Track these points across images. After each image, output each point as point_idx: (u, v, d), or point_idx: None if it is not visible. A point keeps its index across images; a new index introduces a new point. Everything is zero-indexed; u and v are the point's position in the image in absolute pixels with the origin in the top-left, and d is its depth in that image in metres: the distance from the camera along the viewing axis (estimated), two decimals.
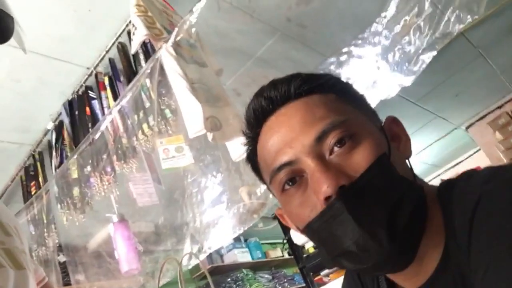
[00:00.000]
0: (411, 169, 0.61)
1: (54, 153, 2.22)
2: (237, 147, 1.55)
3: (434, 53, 1.27)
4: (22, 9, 1.68)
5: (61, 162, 2.15)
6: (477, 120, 4.69)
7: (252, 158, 0.67)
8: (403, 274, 0.58)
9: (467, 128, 4.78)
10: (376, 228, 0.52)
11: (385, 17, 1.39)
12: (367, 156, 0.55)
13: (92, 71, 2.08)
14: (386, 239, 0.51)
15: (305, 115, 0.58)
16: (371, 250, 0.52)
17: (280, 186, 0.60)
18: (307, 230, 0.58)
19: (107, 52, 2.00)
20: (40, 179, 2.36)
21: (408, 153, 0.63)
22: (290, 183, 0.59)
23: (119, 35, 1.95)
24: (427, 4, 1.24)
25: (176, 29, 1.60)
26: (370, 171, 0.54)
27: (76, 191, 2.03)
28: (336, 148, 0.56)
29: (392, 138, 0.62)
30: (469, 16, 1.16)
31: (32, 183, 2.40)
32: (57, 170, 2.14)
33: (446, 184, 0.59)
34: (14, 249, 0.78)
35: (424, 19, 1.23)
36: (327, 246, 0.57)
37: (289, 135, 0.58)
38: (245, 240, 5.04)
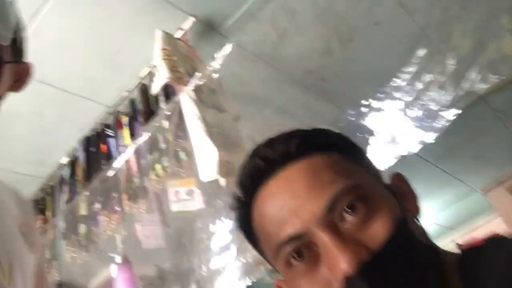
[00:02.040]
0: (422, 228, 0.55)
1: (65, 188, 2.21)
2: None
3: (458, 111, 1.26)
4: (51, 46, 1.74)
5: (71, 198, 2.14)
6: (496, 186, 4.58)
7: (245, 226, 0.60)
8: None
9: (485, 192, 4.67)
10: None
11: (408, 72, 1.39)
12: (386, 224, 0.49)
13: (113, 110, 2.11)
14: None
15: (310, 179, 0.52)
16: None
17: (286, 261, 0.53)
18: None
19: (130, 93, 2.04)
20: (48, 213, 2.33)
21: (416, 212, 0.57)
22: (298, 258, 0.51)
23: (143, 78, 1.99)
24: (451, 62, 1.24)
25: (199, 74, 1.63)
26: (393, 241, 0.48)
27: (82, 228, 2.00)
28: (348, 216, 0.50)
29: (401, 197, 0.56)
30: (493, 76, 1.15)
31: (40, 217, 2.38)
32: (66, 205, 2.13)
33: (471, 253, 0.54)
34: None
35: (448, 76, 1.23)
36: None
37: (295, 202, 0.51)
38: None
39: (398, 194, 0.56)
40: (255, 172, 0.57)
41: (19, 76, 0.84)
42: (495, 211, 4.85)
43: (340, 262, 0.47)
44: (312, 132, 0.59)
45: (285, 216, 0.52)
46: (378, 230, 0.49)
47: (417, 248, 0.50)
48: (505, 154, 4.01)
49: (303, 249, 0.51)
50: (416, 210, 0.58)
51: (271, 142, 0.57)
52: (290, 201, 0.52)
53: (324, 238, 0.49)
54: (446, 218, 5.05)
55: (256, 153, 0.57)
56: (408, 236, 0.50)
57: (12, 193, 0.90)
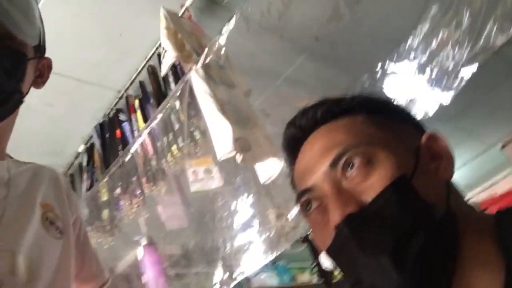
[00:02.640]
0: (448, 191, 0.55)
1: (85, 176, 2.24)
2: (266, 170, 1.52)
3: (474, 68, 1.21)
4: (57, 35, 1.73)
5: (91, 185, 2.17)
6: None
7: (294, 184, 0.66)
8: None
9: (503, 147, 4.61)
10: (381, 257, 0.48)
11: (421, 31, 1.34)
12: (381, 179, 0.52)
13: (122, 94, 2.10)
14: (391, 269, 0.47)
15: (325, 141, 0.58)
16: (380, 282, 0.49)
17: (303, 210, 0.60)
18: (328, 256, 0.57)
19: (137, 75, 2.03)
20: None
21: (447, 175, 0.57)
22: (311, 209, 0.59)
23: (149, 58, 1.97)
24: (466, 16, 1.19)
25: (206, 50, 1.60)
26: (383, 195, 0.51)
27: (105, 213, 2.03)
28: (350, 172, 0.54)
29: (432, 156, 0.57)
30: (510, 28, 1.10)
31: None
32: (87, 192, 2.16)
33: (505, 212, 0.53)
34: None
35: (463, 32, 1.18)
36: (344, 272, 0.56)
37: (310, 161, 0.58)
38: (273, 263, 4.94)
39: (428, 154, 0.57)
40: (291, 139, 0.65)
41: (41, 71, 0.86)
42: None
43: (333, 212, 0.53)
44: (340, 99, 0.63)
45: (303, 173, 0.59)
46: (374, 184, 0.52)
47: (410, 205, 0.50)
48: None
49: (314, 201, 0.58)
50: (447, 173, 0.57)
51: (304, 110, 0.64)
52: (308, 161, 0.59)
53: (326, 191, 0.55)
54: (464, 176, 5.02)
55: (292, 122, 0.65)
56: (404, 193, 0.51)
57: (51, 178, 0.91)
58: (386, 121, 0.60)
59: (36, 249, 0.80)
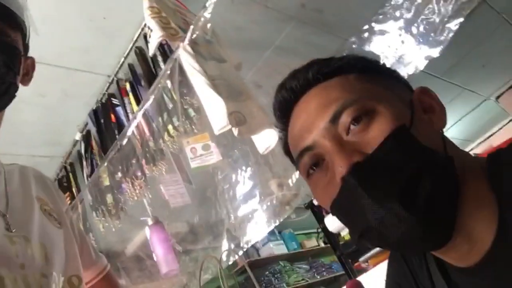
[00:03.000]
0: (443, 140, 0.57)
1: (84, 163, 2.26)
2: (263, 140, 1.53)
3: (461, 19, 1.21)
4: (41, 24, 1.70)
5: (92, 171, 2.19)
6: (507, 89, 4.51)
7: (287, 149, 0.67)
8: (453, 252, 0.55)
9: (497, 98, 4.61)
10: (390, 200, 0.49)
11: None
12: (382, 130, 0.53)
13: (113, 79, 2.10)
14: (401, 211, 0.49)
15: (320, 99, 0.59)
16: (390, 225, 0.50)
17: (304, 171, 0.61)
18: (332, 211, 0.58)
19: (125, 58, 2.02)
20: (74, 189, 2.40)
21: (441, 124, 0.60)
22: (314, 167, 0.59)
23: (136, 40, 1.96)
24: None
25: (192, 26, 1.59)
26: (385, 144, 0.53)
27: (109, 198, 2.06)
28: (352, 127, 0.55)
29: (424, 110, 0.59)
30: None
31: (66, 194, 2.45)
32: (89, 179, 2.18)
33: (495, 155, 0.56)
34: (33, 276, 0.74)
35: None
36: (351, 224, 0.57)
37: (307, 120, 0.58)
38: (279, 232, 5.03)
39: (421, 107, 0.59)
40: (283, 102, 0.64)
41: (27, 70, 0.88)
42: (509, 115, 4.82)
43: (337, 165, 0.54)
44: (331, 59, 0.63)
45: (301, 133, 0.60)
46: (375, 135, 0.54)
47: (412, 152, 0.52)
48: None
49: (318, 160, 0.58)
50: (440, 123, 0.60)
51: (294, 73, 0.63)
52: (304, 120, 0.59)
53: (328, 147, 0.56)
54: (461, 130, 5.05)
55: (283, 85, 0.64)
56: (405, 141, 0.53)
57: (37, 174, 0.94)
58: (377, 78, 0.61)
59: (46, 236, 0.83)
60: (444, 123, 0.60)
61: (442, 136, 0.58)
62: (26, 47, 0.87)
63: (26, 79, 0.89)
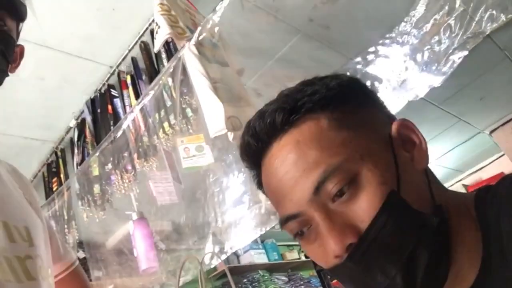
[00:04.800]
0: (428, 182, 0.55)
1: (76, 151, 2.25)
2: None
3: (465, 53, 1.23)
4: (47, 8, 1.70)
5: (82, 160, 2.17)
6: (502, 125, 4.57)
7: (260, 186, 0.63)
8: None
9: (491, 132, 4.66)
10: (394, 282, 0.49)
11: (413, 16, 1.35)
12: (373, 200, 0.50)
13: (114, 70, 2.09)
14: (407, 280, 0.49)
15: (297, 160, 0.53)
16: None
17: (291, 234, 0.58)
18: (329, 273, 0.56)
19: (129, 51, 2.02)
20: (62, 176, 2.39)
21: (424, 162, 0.56)
22: (301, 234, 0.56)
23: (142, 34, 1.96)
24: (458, 3, 1.20)
25: (199, 28, 1.59)
26: (378, 219, 0.50)
27: (96, 188, 2.05)
28: (336, 197, 0.52)
29: (403, 144, 0.56)
30: (502, 15, 1.11)
31: (54, 180, 2.43)
32: (78, 167, 2.17)
33: (484, 191, 0.55)
34: (17, 258, 0.75)
35: (455, 18, 1.19)
36: None
37: (286, 185, 0.54)
38: (262, 241, 5.02)
39: (400, 142, 0.56)
40: (249, 150, 0.59)
41: (16, 57, 0.89)
42: (501, 150, 4.87)
43: (329, 243, 0.51)
44: (300, 97, 0.56)
45: (279, 199, 0.56)
46: (364, 208, 0.51)
47: (407, 224, 0.50)
48: (511, 93, 3.97)
49: (302, 226, 0.55)
50: (422, 161, 0.56)
51: (261, 115, 0.57)
52: (282, 185, 0.55)
53: (315, 218, 0.53)
54: (452, 160, 5.09)
55: (248, 130, 0.58)
56: (397, 210, 0.50)
57: (10, 169, 0.94)
58: (352, 114, 0.56)
59: (30, 219, 0.83)
60: (426, 160, 0.56)
61: (426, 177, 0.55)
62: (18, 34, 0.88)
63: (14, 66, 0.90)
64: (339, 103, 0.56)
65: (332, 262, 0.52)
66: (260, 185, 0.63)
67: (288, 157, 0.54)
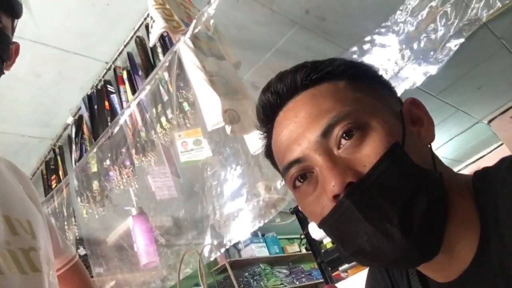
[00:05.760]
0: (432, 155, 0.56)
1: (74, 147, 2.24)
2: (255, 141, 1.53)
3: (462, 40, 1.23)
4: (42, 4, 1.69)
5: (80, 156, 2.17)
6: (500, 114, 4.57)
7: (269, 154, 0.65)
8: (434, 266, 0.55)
9: (489, 122, 4.67)
10: (387, 226, 0.49)
11: (409, 4, 1.34)
12: (377, 148, 0.52)
13: (110, 66, 2.09)
14: (399, 236, 0.49)
15: (311, 109, 0.56)
16: (385, 248, 0.50)
17: (291, 183, 0.59)
18: (321, 227, 0.57)
19: (125, 46, 2.01)
20: (60, 172, 2.38)
21: (430, 138, 0.58)
22: (301, 180, 0.57)
23: (137, 29, 1.95)
24: None
25: (194, 21, 1.58)
26: (380, 164, 0.51)
27: (95, 184, 2.05)
28: (343, 141, 0.53)
29: (413, 121, 0.58)
30: (498, 1, 1.11)
31: (53, 177, 2.43)
32: (77, 163, 2.16)
33: (482, 173, 0.56)
34: (21, 250, 0.75)
35: (451, 5, 1.19)
36: (342, 243, 0.55)
37: (296, 131, 0.56)
38: (263, 235, 5.03)
39: (409, 119, 0.58)
40: (267, 106, 0.61)
41: (11, 55, 0.89)
42: (500, 139, 4.87)
43: (329, 182, 0.52)
44: (321, 62, 0.60)
45: (289, 144, 0.57)
46: (369, 153, 0.52)
47: (407, 172, 0.51)
48: (509, 81, 3.97)
49: (305, 173, 0.56)
50: (429, 137, 0.59)
51: (281, 76, 0.60)
52: (293, 131, 0.56)
53: (319, 161, 0.54)
54: (450, 150, 5.10)
55: (268, 88, 0.61)
56: (399, 160, 0.51)
57: (8, 164, 0.95)
58: (368, 86, 0.59)
59: (31, 213, 0.84)
60: (432, 137, 0.59)
61: (431, 151, 0.58)
62: (13, 31, 0.88)
63: (9, 64, 0.89)
64: (356, 74, 0.59)
65: (328, 207, 0.53)
66: (268, 149, 0.65)
67: (302, 108, 0.57)
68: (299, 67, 0.59)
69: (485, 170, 0.56)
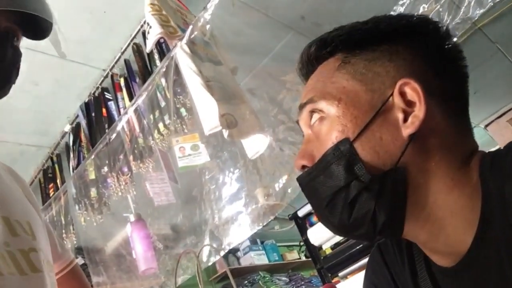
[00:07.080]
0: (406, 146, 0.53)
1: (71, 155, 2.24)
2: (253, 145, 1.54)
3: (454, 39, 1.24)
4: None
5: (78, 164, 2.17)
6: (496, 118, 4.58)
7: None
8: (435, 250, 0.56)
9: (486, 126, 4.68)
10: (322, 207, 0.58)
11: (402, 5, 1.36)
12: (326, 141, 0.57)
13: (108, 73, 2.09)
14: (329, 214, 0.57)
15: (308, 84, 0.64)
16: (330, 227, 0.59)
17: None
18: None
19: (122, 53, 2.02)
20: (58, 181, 2.38)
21: (411, 129, 0.53)
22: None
23: (134, 36, 1.96)
24: None
25: (191, 26, 1.60)
26: (325, 157, 0.56)
27: (93, 192, 2.04)
28: (313, 121, 0.60)
29: (404, 105, 0.54)
30: (489, 0, 1.13)
31: (51, 185, 2.43)
32: (74, 171, 2.16)
33: (488, 157, 0.56)
34: (21, 251, 0.75)
35: (443, 4, 1.20)
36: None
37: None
38: (262, 243, 5.01)
39: (400, 100, 0.55)
40: (303, 68, 0.68)
41: None
42: (497, 144, 4.88)
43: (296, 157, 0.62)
44: (325, 39, 0.64)
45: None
46: (321, 144, 0.58)
47: (344, 170, 0.54)
48: (505, 86, 3.99)
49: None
50: (412, 124, 0.54)
51: (319, 38, 0.66)
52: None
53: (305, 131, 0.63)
54: None
55: (310, 47, 0.66)
56: (342, 158, 0.55)
57: (6, 168, 0.95)
58: (364, 62, 0.58)
59: (31, 215, 0.85)
60: (414, 129, 0.53)
61: (407, 143, 0.53)
62: None
63: None
64: (355, 48, 0.60)
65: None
66: None
67: (310, 80, 0.65)
68: (311, 44, 0.66)
69: (493, 153, 0.56)
